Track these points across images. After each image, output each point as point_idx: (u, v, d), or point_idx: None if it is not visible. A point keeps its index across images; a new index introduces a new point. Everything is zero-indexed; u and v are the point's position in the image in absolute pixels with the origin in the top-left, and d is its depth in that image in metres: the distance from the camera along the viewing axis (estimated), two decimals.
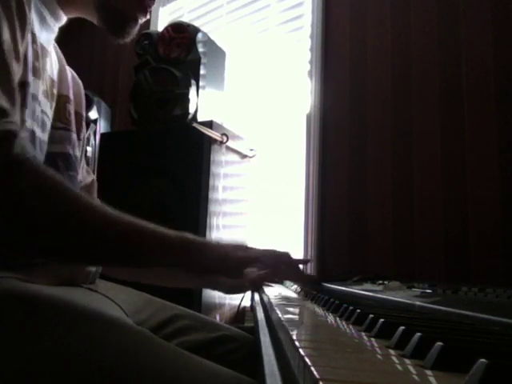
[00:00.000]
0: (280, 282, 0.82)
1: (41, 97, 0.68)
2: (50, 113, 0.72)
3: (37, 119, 0.66)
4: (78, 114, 0.82)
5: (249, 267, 0.68)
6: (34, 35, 0.65)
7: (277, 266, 0.71)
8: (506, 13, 1.46)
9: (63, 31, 0.77)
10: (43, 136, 0.69)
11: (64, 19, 0.76)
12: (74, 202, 0.54)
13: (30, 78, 0.63)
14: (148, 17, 0.80)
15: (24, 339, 0.48)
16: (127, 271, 0.83)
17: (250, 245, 0.75)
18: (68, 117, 0.78)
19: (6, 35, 0.55)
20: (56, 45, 0.79)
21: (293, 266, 0.75)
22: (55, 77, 0.76)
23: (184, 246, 0.64)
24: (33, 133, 0.65)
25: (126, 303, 0.75)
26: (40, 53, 0.67)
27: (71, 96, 0.81)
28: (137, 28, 0.79)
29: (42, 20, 0.69)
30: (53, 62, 0.76)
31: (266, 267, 0.68)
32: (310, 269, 1.73)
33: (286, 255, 0.74)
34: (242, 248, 0.71)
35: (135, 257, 0.60)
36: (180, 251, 0.64)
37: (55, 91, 0.75)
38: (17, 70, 0.57)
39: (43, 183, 0.52)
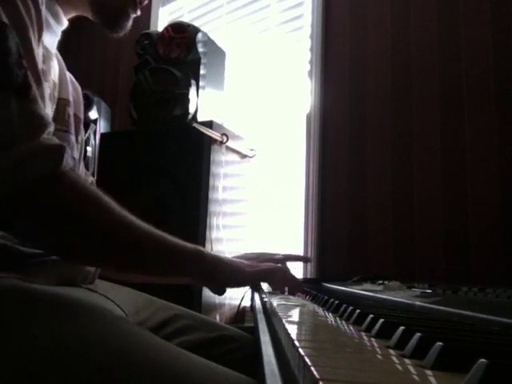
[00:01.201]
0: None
1: (47, 99, 0.68)
2: (51, 115, 0.73)
3: None
4: (76, 117, 0.83)
5: (262, 281, 0.76)
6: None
7: (285, 280, 0.77)
8: (506, 13, 1.46)
9: (63, 31, 0.78)
10: None
11: (66, 22, 0.78)
12: (111, 214, 0.59)
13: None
14: (139, 13, 0.83)
15: (24, 339, 0.48)
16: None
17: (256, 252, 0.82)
18: (67, 119, 0.78)
19: (34, 43, 0.57)
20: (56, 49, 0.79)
21: (290, 280, 0.80)
22: (56, 80, 0.76)
23: (198, 256, 0.67)
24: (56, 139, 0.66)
25: (125, 303, 0.75)
26: (46, 56, 0.68)
27: (71, 99, 0.81)
28: (130, 22, 0.82)
29: (46, 24, 0.70)
30: (55, 65, 0.76)
31: (275, 284, 0.77)
32: (310, 269, 1.73)
33: (284, 269, 0.81)
34: (249, 265, 0.76)
35: (153, 267, 0.65)
36: (194, 262, 0.66)
37: (56, 94, 0.76)
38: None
39: (85, 194, 0.57)
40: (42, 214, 0.54)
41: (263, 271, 0.75)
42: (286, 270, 0.80)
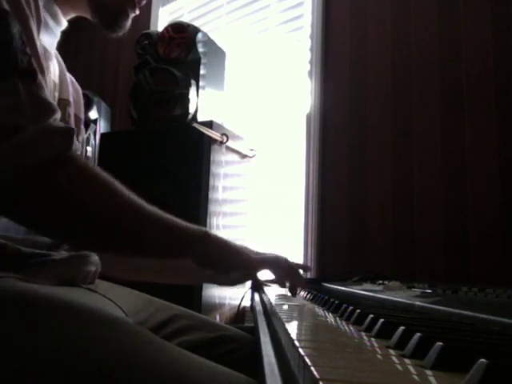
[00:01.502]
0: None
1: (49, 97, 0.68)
2: None
3: None
4: (76, 118, 0.83)
5: (264, 267, 0.74)
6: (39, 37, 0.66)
7: (290, 270, 0.76)
8: (506, 13, 1.46)
9: (63, 32, 0.78)
10: None
11: (64, 23, 0.78)
12: (123, 195, 0.59)
13: (40, 77, 0.64)
14: (138, 12, 0.83)
15: (24, 339, 0.48)
16: (129, 270, 0.83)
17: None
18: (68, 119, 0.79)
19: (35, 33, 0.58)
20: (55, 50, 0.80)
21: (295, 271, 0.78)
22: (56, 80, 0.77)
23: (204, 237, 0.66)
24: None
25: (125, 303, 0.75)
26: (44, 55, 0.68)
27: (71, 99, 0.81)
28: (129, 22, 0.82)
29: (45, 24, 0.70)
30: (54, 65, 0.76)
31: (280, 271, 0.74)
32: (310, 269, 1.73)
33: (286, 260, 0.79)
34: (256, 252, 0.75)
35: (163, 247, 0.64)
36: (201, 242, 0.66)
37: (56, 94, 0.76)
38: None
39: (93, 176, 0.57)
40: (55, 194, 0.54)
41: (269, 258, 0.74)
42: (291, 263, 0.79)
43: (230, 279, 0.75)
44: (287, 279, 0.76)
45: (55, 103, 0.57)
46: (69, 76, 0.85)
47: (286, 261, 0.76)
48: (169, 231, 0.63)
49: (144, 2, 0.83)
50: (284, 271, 0.75)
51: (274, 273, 0.76)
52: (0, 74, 0.52)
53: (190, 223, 0.66)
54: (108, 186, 0.58)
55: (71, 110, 0.81)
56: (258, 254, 0.75)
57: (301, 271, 0.82)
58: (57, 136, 0.54)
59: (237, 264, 0.70)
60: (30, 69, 0.54)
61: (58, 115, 0.57)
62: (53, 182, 0.54)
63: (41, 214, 0.55)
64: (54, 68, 0.76)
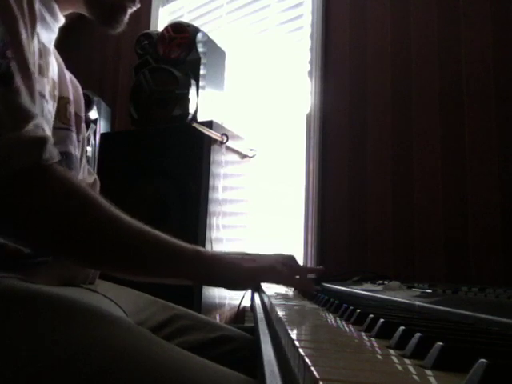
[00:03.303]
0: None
1: (47, 96, 0.68)
2: (53, 113, 0.73)
3: (45, 117, 0.66)
4: (77, 116, 0.83)
5: (262, 278, 0.70)
6: (37, 33, 0.65)
7: (290, 274, 0.72)
8: (506, 13, 1.46)
9: (63, 31, 0.78)
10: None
11: (62, 19, 0.76)
12: (99, 209, 0.56)
13: (37, 75, 0.63)
14: (138, 5, 0.81)
15: (24, 339, 0.48)
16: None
17: (258, 253, 0.76)
18: (68, 117, 0.78)
19: (24, 36, 0.56)
20: (54, 48, 0.79)
21: (301, 272, 0.76)
22: (56, 78, 0.76)
23: (196, 257, 0.64)
24: (43, 131, 0.65)
25: (125, 303, 0.75)
26: (43, 52, 0.67)
27: (71, 98, 0.81)
28: (127, 18, 0.80)
29: (43, 20, 0.69)
30: (53, 63, 0.76)
31: (278, 278, 0.70)
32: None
33: (293, 259, 0.76)
34: (252, 259, 0.71)
35: (146, 265, 0.62)
36: (191, 262, 0.64)
37: (56, 92, 0.75)
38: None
39: (69, 190, 0.55)
40: (30, 205, 0.52)
41: (261, 269, 0.69)
42: (294, 265, 0.74)
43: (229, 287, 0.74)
44: (288, 284, 0.74)
45: (33, 110, 0.55)
46: (68, 74, 0.84)
47: (285, 263, 0.72)
48: (157, 249, 0.61)
49: None
50: (283, 278, 0.72)
51: (273, 282, 0.73)
52: None
53: (183, 242, 0.64)
54: (87, 198, 0.56)
55: (71, 108, 0.80)
56: (261, 257, 0.72)
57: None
58: (30, 146, 0.52)
59: (232, 280, 0.68)
60: (7, 73, 0.53)
61: (38, 121, 0.55)
62: (28, 193, 0.52)
63: (18, 225, 0.53)
64: (53, 65, 0.75)
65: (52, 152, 0.54)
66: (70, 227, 0.55)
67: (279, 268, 0.70)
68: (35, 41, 0.63)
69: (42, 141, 0.53)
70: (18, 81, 0.54)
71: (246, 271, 0.68)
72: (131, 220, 0.59)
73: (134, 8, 0.80)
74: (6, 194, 0.51)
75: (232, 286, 0.71)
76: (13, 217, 0.53)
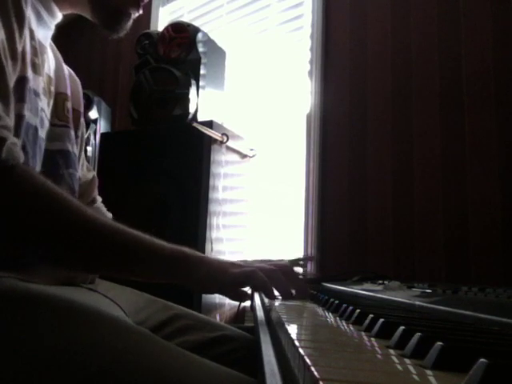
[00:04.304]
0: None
1: (41, 93, 0.68)
2: (48, 110, 0.73)
3: (39, 116, 0.66)
4: (75, 111, 0.83)
5: (243, 285, 0.67)
6: (32, 31, 0.65)
7: (272, 280, 0.66)
8: (506, 13, 1.46)
9: (63, 31, 0.78)
10: (42, 133, 0.69)
11: (59, 16, 0.76)
12: (67, 208, 0.55)
13: (30, 73, 0.63)
14: (141, 12, 0.81)
15: (24, 339, 0.48)
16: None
17: (249, 259, 0.73)
18: (67, 114, 0.78)
19: (1, 34, 0.55)
20: (52, 43, 0.78)
21: (292, 278, 0.71)
22: (52, 74, 0.76)
23: (180, 259, 0.63)
24: (35, 129, 0.65)
25: (125, 303, 0.75)
26: (38, 49, 0.67)
27: (69, 93, 0.81)
28: (130, 22, 0.80)
29: (39, 17, 0.69)
30: (50, 59, 0.76)
31: (260, 284, 0.65)
32: (310, 268, 1.73)
33: (287, 267, 0.72)
34: (238, 265, 0.68)
35: (130, 267, 0.60)
36: (176, 265, 0.62)
37: (52, 88, 0.75)
38: (12, 69, 0.57)
39: (36, 187, 0.53)
40: None
41: (244, 273, 0.65)
42: (277, 272, 0.67)
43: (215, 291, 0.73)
44: (278, 289, 0.67)
45: (1, 109, 0.53)
46: (66, 68, 0.84)
47: (268, 270, 0.67)
48: (135, 250, 0.59)
49: (147, 0, 0.81)
50: (265, 283, 0.65)
51: (255, 288, 0.67)
52: None
53: (182, 242, 0.62)
54: (56, 200, 0.54)
55: (69, 104, 0.80)
56: (241, 267, 0.67)
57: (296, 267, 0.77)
58: None
59: (213, 283, 0.66)
60: None
61: (5, 122, 0.53)
62: None
63: None
64: (50, 61, 0.75)
65: (13, 153, 0.52)
66: (37, 228, 0.53)
67: (260, 274, 0.65)
68: (27, 39, 0.63)
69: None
70: None
71: (228, 276, 0.65)
72: (115, 224, 0.57)
73: (137, 14, 0.80)
74: None
75: (218, 290, 0.69)
76: None
